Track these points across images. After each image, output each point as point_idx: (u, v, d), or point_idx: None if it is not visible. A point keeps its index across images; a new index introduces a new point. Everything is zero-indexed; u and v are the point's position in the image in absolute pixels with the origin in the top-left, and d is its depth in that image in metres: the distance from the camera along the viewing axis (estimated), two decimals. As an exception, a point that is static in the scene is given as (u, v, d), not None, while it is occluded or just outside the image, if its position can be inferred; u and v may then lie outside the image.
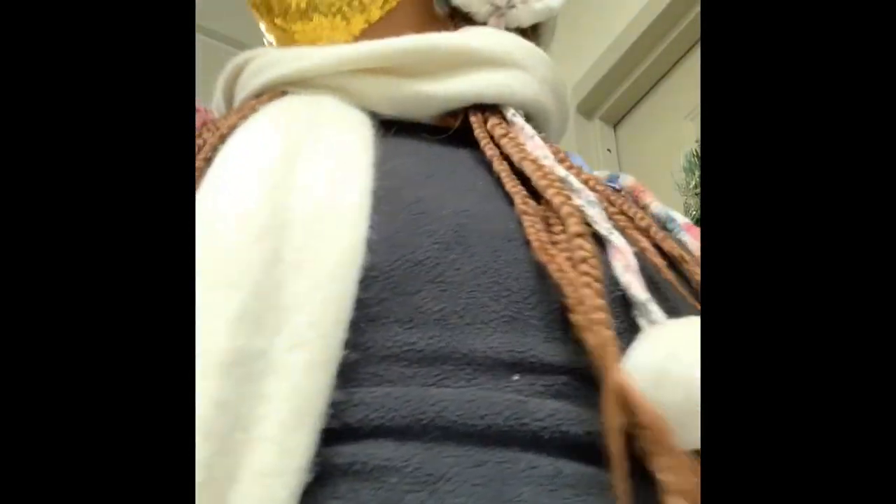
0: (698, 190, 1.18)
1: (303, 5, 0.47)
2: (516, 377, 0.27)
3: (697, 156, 1.22)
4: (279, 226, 0.28)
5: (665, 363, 0.26)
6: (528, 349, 0.28)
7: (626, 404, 0.25)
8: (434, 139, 0.40)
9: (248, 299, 0.26)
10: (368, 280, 0.28)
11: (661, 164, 1.62)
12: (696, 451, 0.26)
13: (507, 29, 0.46)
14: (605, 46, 1.76)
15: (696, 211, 1.20)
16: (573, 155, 0.45)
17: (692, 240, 0.40)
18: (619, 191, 0.44)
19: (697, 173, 1.20)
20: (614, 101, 1.79)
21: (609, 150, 1.81)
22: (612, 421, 0.25)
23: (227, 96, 0.48)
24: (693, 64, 1.63)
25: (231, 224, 0.28)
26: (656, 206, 0.42)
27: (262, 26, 0.51)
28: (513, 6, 0.46)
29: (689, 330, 0.27)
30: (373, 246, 0.29)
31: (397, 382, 0.27)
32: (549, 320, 0.29)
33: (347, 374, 0.26)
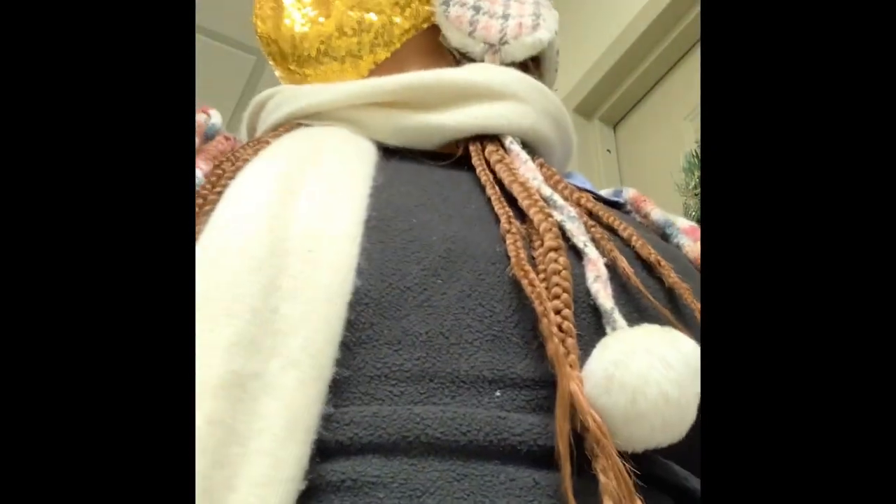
0: (698, 190, 1.18)
1: (314, 52, 0.50)
2: (498, 393, 0.29)
3: (697, 156, 1.22)
4: (277, 255, 0.30)
5: (612, 369, 0.27)
6: (510, 366, 0.30)
7: (575, 408, 0.27)
8: (435, 164, 0.42)
9: (245, 326, 0.28)
10: (359, 305, 0.30)
11: (660, 165, 1.62)
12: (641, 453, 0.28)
13: (503, 64, 0.48)
14: (605, 47, 1.76)
15: (695, 212, 1.20)
16: (575, 175, 0.49)
17: (690, 242, 0.42)
18: (622, 204, 0.47)
19: (697, 174, 1.20)
20: (614, 101, 1.79)
21: (609, 150, 1.81)
22: (562, 425, 0.27)
23: (250, 132, 0.51)
24: (692, 65, 1.64)
25: (232, 256, 0.30)
26: (657, 214, 0.45)
27: (277, 73, 0.54)
28: (505, 42, 0.48)
29: (640, 338, 0.28)
30: (363, 273, 0.31)
31: (385, 401, 0.29)
32: (530, 337, 0.31)
33: (339, 393, 0.28)
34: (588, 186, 0.47)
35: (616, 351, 0.28)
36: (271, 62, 0.54)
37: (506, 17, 0.49)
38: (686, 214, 1.22)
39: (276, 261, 0.30)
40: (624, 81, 1.75)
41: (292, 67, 0.52)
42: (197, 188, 0.38)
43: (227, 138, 0.47)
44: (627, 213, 0.47)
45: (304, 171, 0.35)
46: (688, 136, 1.56)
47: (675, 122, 1.63)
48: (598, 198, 0.45)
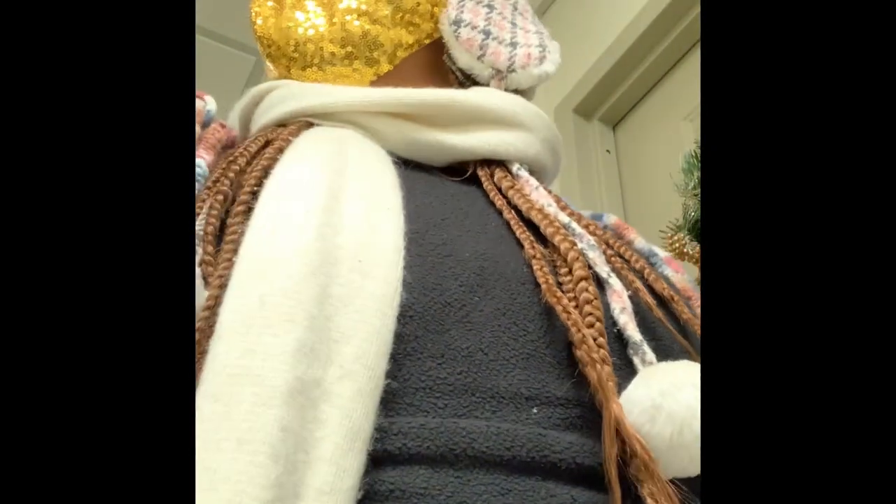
0: (697, 191, 1.18)
1: (316, 58, 0.50)
2: (535, 410, 0.30)
3: (696, 157, 1.22)
4: (328, 263, 0.31)
5: (660, 400, 0.29)
6: (544, 385, 0.31)
7: (620, 435, 0.28)
8: (447, 178, 0.43)
9: (305, 333, 0.28)
10: (405, 318, 0.31)
11: (659, 165, 1.62)
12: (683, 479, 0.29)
13: (508, 90, 0.50)
14: (605, 47, 1.76)
15: (694, 212, 1.20)
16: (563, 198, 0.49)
17: (674, 273, 0.45)
18: (605, 228, 0.48)
19: (696, 174, 1.20)
20: (613, 102, 1.79)
21: (608, 150, 1.81)
22: (609, 450, 0.28)
23: (244, 122, 0.51)
24: (692, 65, 1.64)
25: (287, 262, 0.30)
26: (640, 242, 0.47)
27: (275, 72, 0.54)
28: (513, 70, 0.50)
29: (685, 372, 0.30)
30: (408, 286, 0.32)
31: (431, 413, 0.29)
32: (561, 358, 0.32)
33: (388, 404, 0.29)
34: (576, 209, 0.48)
35: (664, 382, 0.29)
36: (268, 62, 0.54)
37: (514, 44, 0.50)
38: (685, 215, 1.22)
39: (327, 268, 0.30)
40: (623, 82, 1.75)
41: (292, 69, 0.52)
42: (205, 181, 0.38)
43: (222, 125, 0.46)
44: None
45: (342, 177, 0.36)
46: (687, 136, 1.56)
47: (674, 123, 1.64)
48: None
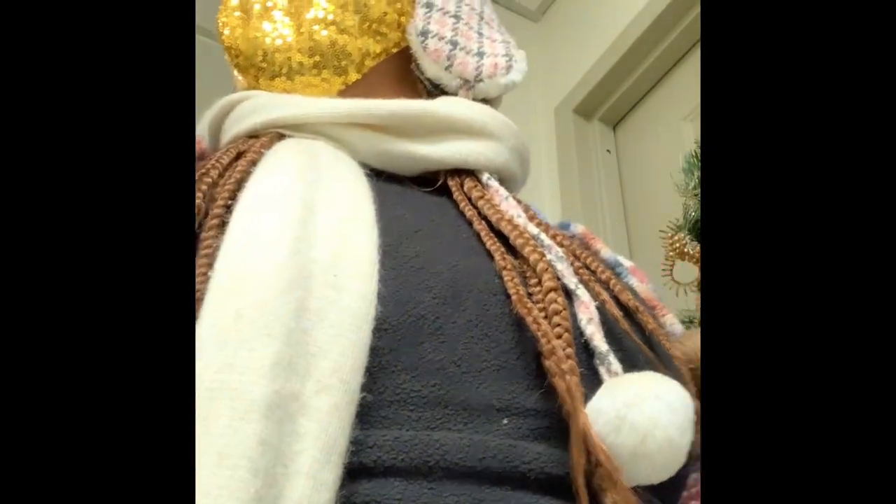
0: (698, 191, 1.18)
1: (284, 68, 0.51)
2: (505, 421, 0.31)
3: (696, 157, 1.22)
4: (304, 277, 0.31)
5: (625, 411, 0.29)
6: (515, 396, 0.32)
7: (587, 444, 0.29)
8: (418, 189, 0.44)
9: (282, 347, 0.28)
10: (380, 331, 0.31)
11: (660, 165, 1.62)
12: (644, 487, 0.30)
13: (476, 99, 0.51)
14: (605, 47, 1.76)
15: (695, 212, 1.20)
16: (531, 206, 0.50)
17: (639, 283, 0.46)
18: (572, 237, 0.49)
19: (697, 174, 1.20)
20: (614, 101, 1.79)
21: (608, 150, 1.81)
22: (577, 459, 0.29)
23: (213, 133, 0.51)
24: (692, 65, 1.64)
25: (263, 277, 0.30)
26: (606, 252, 0.48)
27: (241, 83, 0.54)
28: (480, 80, 0.51)
29: (649, 384, 0.31)
30: (382, 299, 0.32)
31: (405, 426, 0.30)
32: (531, 368, 0.33)
33: (364, 416, 0.29)
34: (545, 217, 0.49)
35: (628, 393, 0.30)
36: (237, 72, 0.54)
37: (481, 54, 0.51)
38: (686, 215, 1.22)
39: (303, 282, 0.30)
40: (624, 82, 1.75)
41: (260, 79, 0.52)
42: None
43: None
44: None
45: (316, 190, 0.36)
46: (687, 136, 1.56)
47: (674, 123, 1.64)
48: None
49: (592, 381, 0.32)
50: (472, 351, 0.32)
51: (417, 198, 0.43)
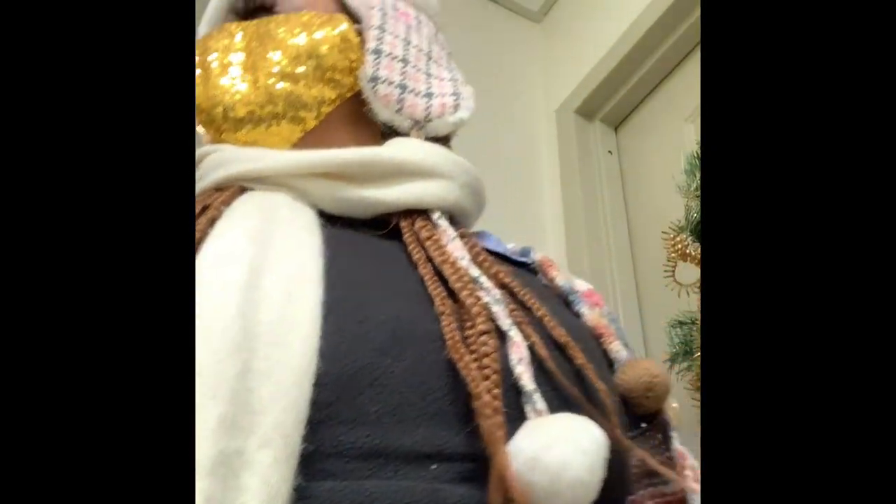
0: (699, 192, 1.18)
1: (244, 121, 0.53)
2: (434, 466, 0.33)
3: (698, 158, 1.22)
4: (249, 338, 0.33)
5: (539, 452, 0.31)
6: (446, 441, 0.34)
7: (504, 483, 0.31)
8: (371, 234, 0.47)
9: (227, 407, 0.30)
10: (321, 385, 0.33)
11: (662, 166, 1.62)
12: None
13: (427, 138, 0.54)
14: (607, 48, 1.76)
15: (696, 213, 1.20)
16: (488, 237, 0.54)
17: (589, 309, 0.48)
18: (530, 264, 0.52)
19: (698, 175, 1.20)
20: (616, 102, 1.79)
21: (610, 151, 1.81)
22: (494, 497, 0.31)
23: None
24: (694, 66, 1.64)
25: (210, 340, 0.32)
26: (561, 280, 0.50)
27: (206, 137, 0.57)
28: (430, 120, 0.55)
29: (562, 426, 0.33)
30: (323, 355, 0.34)
31: (339, 476, 0.32)
32: (463, 413, 0.35)
33: (304, 468, 0.31)
34: (500, 248, 0.52)
35: (543, 435, 0.32)
36: (202, 128, 0.56)
37: (429, 95, 0.55)
38: (688, 216, 1.22)
39: (248, 344, 0.32)
40: (626, 83, 1.75)
41: (223, 134, 0.54)
42: None
43: None
44: (534, 273, 0.52)
45: (265, 251, 0.38)
46: (689, 137, 1.56)
47: (676, 124, 1.64)
48: (511, 261, 0.51)
49: (521, 421, 0.34)
50: (408, 399, 0.34)
51: (370, 244, 0.45)
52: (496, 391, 0.34)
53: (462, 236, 0.46)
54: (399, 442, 0.33)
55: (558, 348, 0.40)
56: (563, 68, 1.91)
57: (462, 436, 0.34)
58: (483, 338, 0.36)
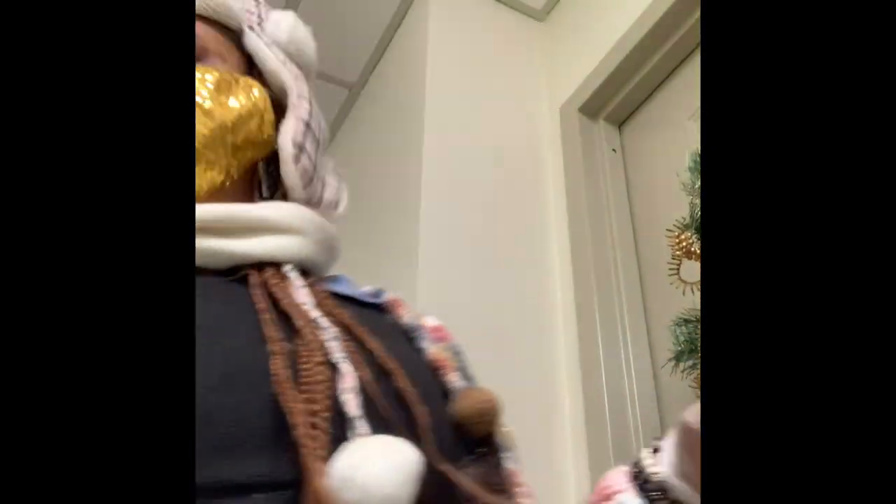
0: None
1: None
2: (261, 496, 0.36)
3: (703, 156, 1.22)
4: None
5: (351, 471, 0.34)
6: (272, 471, 0.36)
7: (318, 499, 0.33)
8: (220, 279, 0.50)
9: None
10: None
11: (666, 164, 1.62)
12: None
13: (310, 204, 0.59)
14: (611, 46, 1.76)
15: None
16: (342, 281, 0.57)
17: (431, 345, 0.52)
18: (380, 304, 0.56)
19: (703, 173, 1.20)
20: (619, 100, 1.78)
21: (614, 149, 1.81)
22: None
23: None
24: (698, 64, 1.63)
25: None
26: (407, 318, 0.55)
27: None
28: (317, 204, 0.60)
29: (375, 446, 0.36)
30: None
31: None
32: (288, 443, 0.37)
33: None
34: (350, 291, 0.56)
35: (356, 455, 0.35)
36: None
37: (325, 184, 0.61)
38: (692, 214, 1.22)
39: None
40: (629, 81, 1.75)
41: None
42: None
43: None
44: (384, 312, 0.55)
45: None
46: (693, 135, 1.56)
47: (680, 122, 1.63)
48: (358, 301, 0.54)
49: (344, 444, 0.37)
50: (235, 435, 0.36)
51: (219, 287, 0.48)
52: (316, 420, 0.37)
53: (310, 285, 0.50)
54: (226, 476, 0.35)
55: (388, 377, 0.44)
56: (567, 66, 1.91)
57: (286, 465, 0.36)
58: (317, 368, 0.40)
